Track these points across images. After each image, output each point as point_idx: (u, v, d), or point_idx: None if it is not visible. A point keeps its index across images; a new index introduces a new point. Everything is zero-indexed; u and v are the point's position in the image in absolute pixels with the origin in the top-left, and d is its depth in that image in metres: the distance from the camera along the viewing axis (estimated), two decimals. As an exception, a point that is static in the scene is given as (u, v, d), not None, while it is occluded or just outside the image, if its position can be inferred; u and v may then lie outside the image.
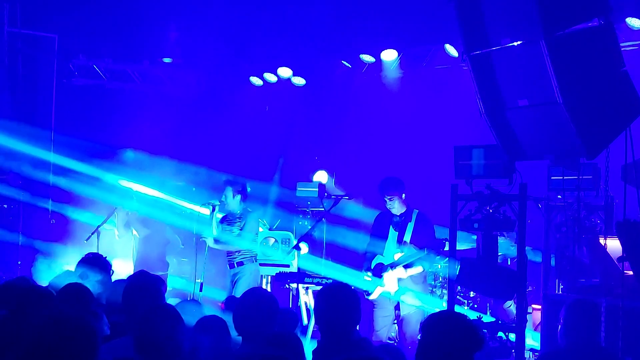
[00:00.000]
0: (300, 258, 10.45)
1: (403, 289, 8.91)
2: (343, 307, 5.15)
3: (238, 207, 9.96)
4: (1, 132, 12.07)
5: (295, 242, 10.17)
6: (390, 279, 8.88)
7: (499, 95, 6.95)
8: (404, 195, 9.06)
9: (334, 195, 10.02)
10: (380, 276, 8.93)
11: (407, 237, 8.94)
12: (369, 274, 9.01)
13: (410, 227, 8.96)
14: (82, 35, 13.47)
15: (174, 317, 4.68)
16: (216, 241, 9.83)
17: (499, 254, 9.81)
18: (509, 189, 7.47)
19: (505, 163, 7.40)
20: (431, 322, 4.33)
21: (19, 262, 12.33)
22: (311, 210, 12.61)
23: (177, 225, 11.42)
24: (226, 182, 10.03)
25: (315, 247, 11.46)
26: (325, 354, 5.06)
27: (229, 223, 9.99)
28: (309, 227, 10.56)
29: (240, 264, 9.81)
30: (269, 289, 11.11)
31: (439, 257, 9.33)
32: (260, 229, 10.76)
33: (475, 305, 10.52)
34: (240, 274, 9.77)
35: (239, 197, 9.94)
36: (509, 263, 10.18)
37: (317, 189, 12.23)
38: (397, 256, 8.93)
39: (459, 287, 9.43)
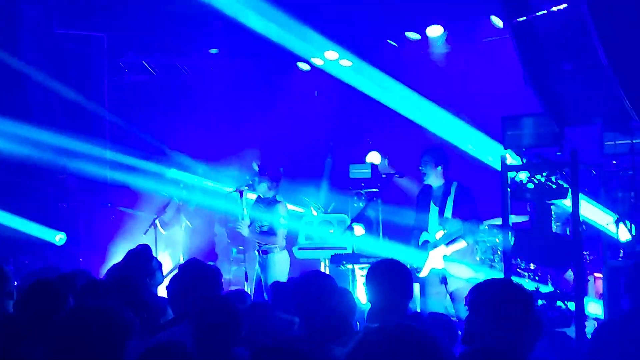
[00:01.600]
0: (356, 239, 10.43)
1: (450, 263, 8.81)
2: (394, 282, 5.13)
3: (267, 194, 10.02)
4: (57, 132, 12.29)
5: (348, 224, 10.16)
6: (436, 256, 8.81)
7: (543, 61, 6.88)
8: (440, 168, 8.93)
9: (384, 174, 9.98)
10: (427, 253, 8.86)
11: (448, 213, 8.80)
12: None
13: (450, 201, 8.80)
14: (130, 32, 13.62)
15: (232, 307, 4.66)
16: (250, 231, 9.92)
17: (558, 223, 9.75)
18: (560, 157, 7.37)
19: (554, 130, 7.30)
20: (476, 290, 4.28)
21: (81, 259, 12.59)
22: (365, 192, 12.58)
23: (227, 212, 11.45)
24: (260, 167, 10.07)
25: (372, 228, 11.45)
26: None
27: (257, 212, 10.04)
28: (362, 208, 10.53)
29: (265, 252, 9.88)
30: (327, 272, 11.15)
31: (480, 227, 9.21)
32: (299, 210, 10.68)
33: (537, 277, 10.38)
34: (270, 263, 9.84)
35: (267, 183, 9.97)
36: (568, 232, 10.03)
37: (370, 170, 12.20)
38: (438, 235, 8.84)
39: (518, 260, 9.30)
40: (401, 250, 9.68)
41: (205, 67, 14.53)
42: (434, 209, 8.93)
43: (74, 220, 12.94)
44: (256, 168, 10.09)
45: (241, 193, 9.93)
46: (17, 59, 12.61)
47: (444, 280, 8.86)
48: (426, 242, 8.90)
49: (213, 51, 14.06)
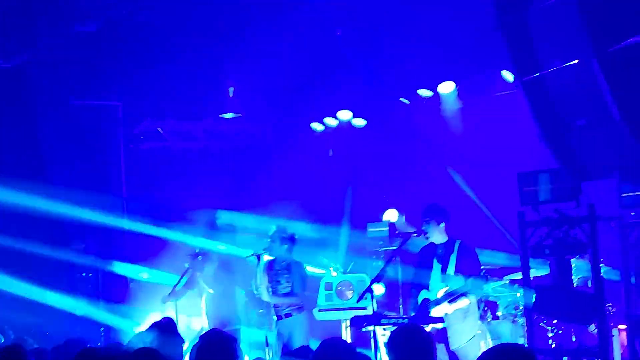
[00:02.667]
0: (376, 299, 10.36)
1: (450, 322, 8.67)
2: (415, 349, 5.06)
3: (285, 255, 10.02)
4: (74, 203, 12.37)
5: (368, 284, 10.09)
6: (437, 313, 8.69)
7: (556, 117, 6.90)
8: (443, 224, 8.87)
9: (402, 234, 9.95)
10: (428, 312, 8.75)
11: (451, 270, 8.68)
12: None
13: (453, 258, 8.68)
14: (145, 100, 13.79)
15: None
16: (270, 295, 9.90)
17: (579, 276, 9.67)
18: (578, 212, 7.35)
19: (571, 185, 7.29)
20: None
21: (102, 329, 12.58)
22: (384, 251, 12.54)
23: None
24: (276, 230, 10.08)
25: (392, 287, 11.38)
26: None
27: (275, 274, 10.04)
28: (382, 267, 10.48)
29: (289, 315, 9.87)
30: (347, 333, 11.07)
31: (484, 284, 9.09)
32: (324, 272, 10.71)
33: (560, 332, 10.27)
34: (291, 327, 9.84)
35: (286, 246, 10.00)
36: (590, 285, 9.93)
37: (387, 228, 12.17)
38: (440, 292, 8.74)
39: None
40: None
41: (219, 132, 14.64)
42: (436, 267, 8.81)
43: (94, 290, 12.97)
44: (272, 232, 10.08)
45: (259, 257, 9.93)
46: (35, 131, 12.78)
47: (444, 339, 8.69)
48: (426, 300, 8.80)
49: (228, 115, 14.18)
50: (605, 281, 7.91)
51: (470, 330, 8.71)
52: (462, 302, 8.65)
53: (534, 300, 7.58)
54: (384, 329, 9.67)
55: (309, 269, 10.63)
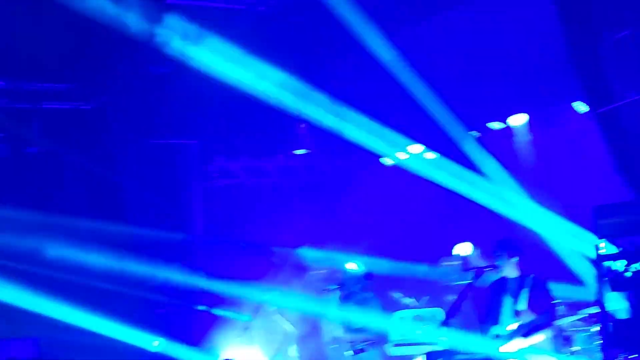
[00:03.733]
0: (450, 334, 10.30)
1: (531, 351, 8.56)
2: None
3: (360, 292, 10.02)
4: (154, 242, 12.63)
5: (443, 319, 10.04)
6: (510, 350, 8.58)
7: (631, 149, 6.84)
8: (515, 259, 8.77)
9: (476, 268, 9.86)
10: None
11: (522, 305, 8.56)
12: None
13: (524, 293, 8.57)
14: (218, 138, 14.04)
15: None
16: (345, 330, 9.90)
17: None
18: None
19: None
20: None
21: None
22: (457, 285, 12.47)
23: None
24: (353, 268, 10.10)
25: (466, 322, 11.29)
26: None
27: (350, 309, 10.00)
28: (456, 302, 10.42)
29: (361, 350, 9.84)
30: (423, 369, 11.03)
31: (557, 321, 8.97)
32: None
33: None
34: None
35: (361, 282, 10.01)
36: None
37: (461, 262, 12.11)
38: (512, 327, 8.65)
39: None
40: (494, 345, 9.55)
41: (291, 168, 14.81)
42: (507, 301, 8.74)
43: (170, 326, 13.15)
44: (347, 268, 10.12)
45: (332, 292, 9.97)
46: (113, 171, 13.10)
47: None
48: (497, 335, 8.72)
49: (299, 152, 14.34)
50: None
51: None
52: (537, 337, 8.55)
53: (612, 334, 7.46)
54: (459, 365, 9.64)
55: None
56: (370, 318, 9.90)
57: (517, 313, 8.61)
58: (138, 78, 12.97)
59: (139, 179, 13.28)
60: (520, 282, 8.71)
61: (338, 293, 10.01)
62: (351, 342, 9.94)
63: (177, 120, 13.67)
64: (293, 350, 11.78)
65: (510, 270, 8.78)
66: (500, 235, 10.82)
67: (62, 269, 12.33)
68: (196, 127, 13.76)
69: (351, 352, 9.94)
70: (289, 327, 11.41)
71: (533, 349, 8.53)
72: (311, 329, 11.28)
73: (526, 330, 8.48)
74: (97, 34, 11.15)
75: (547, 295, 8.65)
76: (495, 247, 8.89)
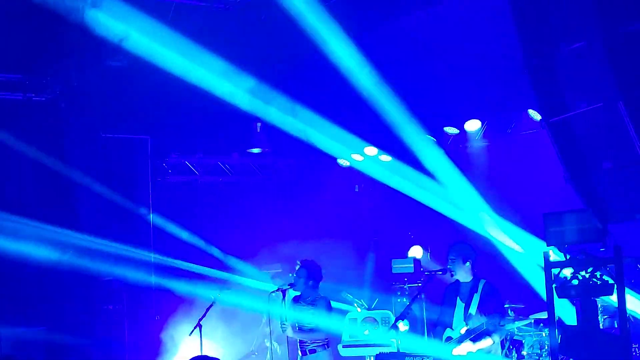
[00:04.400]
0: (400, 337, 10.36)
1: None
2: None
3: (309, 293, 9.92)
4: (104, 236, 12.51)
5: (393, 321, 10.09)
6: (460, 352, 8.70)
7: (582, 159, 6.92)
8: (468, 263, 8.89)
9: (429, 271, 9.94)
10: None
11: (473, 309, 8.73)
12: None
13: (476, 298, 8.75)
14: (173, 134, 13.94)
15: None
16: (295, 331, 9.85)
17: (605, 317, 9.66)
18: (604, 253, 7.34)
19: (597, 227, 7.29)
20: None
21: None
22: (408, 287, 12.54)
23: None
24: (302, 266, 10.03)
25: (416, 324, 11.38)
26: None
27: (300, 310, 9.88)
28: (407, 305, 10.50)
29: (313, 351, 9.77)
30: (372, 370, 11.07)
31: (508, 324, 9.10)
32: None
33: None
34: None
35: (311, 282, 9.88)
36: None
37: (412, 265, 12.18)
38: (462, 330, 8.74)
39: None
40: (445, 349, 9.63)
41: (246, 166, 14.77)
42: (459, 305, 8.87)
43: (119, 323, 13.04)
44: (298, 267, 10.06)
45: (284, 293, 9.90)
46: (64, 164, 12.94)
47: None
48: (449, 338, 8.82)
49: (254, 150, 14.31)
50: (632, 322, 7.90)
51: None
52: (486, 342, 8.67)
53: (559, 340, 7.55)
54: (408, 367, 9.71)
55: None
56: (320, 319, 9.86)
57: (468, 316, 8.71)
58: (93, 71, 12.83)
59: (92, 173, 13.12)
60: (472, 287, 8.82)
61: (289, 292, 9.94)
62: (302, 342, 9.91)
63: (132, 115, 13.54)
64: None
65: (463, 274, 8.88)
66: (452, 240, 10.96)
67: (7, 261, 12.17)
68: (152, 122, 13.64)
69: (301, 354, 9.91)
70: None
71: (482, 353, 8.63)
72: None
73: (476, 334, 8.58)
74: (53, 24, 11.00)
75: (499, 300, 8.77)
76: (449, 251, 8.97)
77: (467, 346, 8.67)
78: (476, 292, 8.80)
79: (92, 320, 12.65)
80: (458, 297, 8.93)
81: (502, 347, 9.18)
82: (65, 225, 12.39)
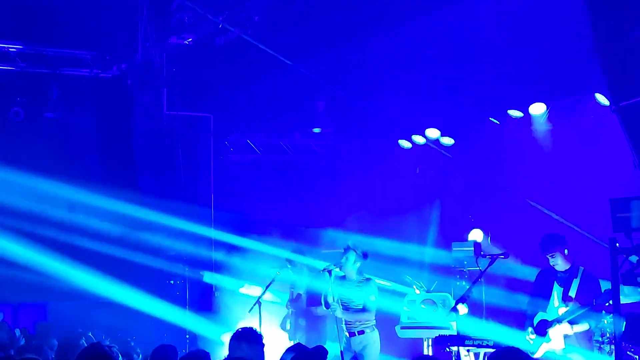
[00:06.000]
0: (459, 320, 10.31)
1: (570, 347, 8.64)
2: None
3: (356, 274, 9.91)
4: (166, 212, 12.68)
5: (453, 304, 10.05)
6: (556, 335, 8.66)
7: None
8: (566, 251, 8.86)
9: (489, 255, 9.85)
10: (545, 333, 8.72)
11: (573, 293, 8.72)
12: (531, 332, 8.82)
13: (575, 283, 8.75)
14: (236, 113, 14.03)
15: None
16: (343, 311, 9.87)
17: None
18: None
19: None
20: None
21: (187, 336, 12.83)
22: (468, 270, 12.46)
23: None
24: (348, 246, 10.02)
25: (475, 308, 11.30)
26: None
27: (347, 292, 9.89)
28: (467, 288, 10.44)
29: (362, 332, 9.77)
30: (430, 352, 11.04)
31: (605, 314, 9.03)
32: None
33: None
34: (364, 343, 9.75)
35: (358, 263, 9.90)
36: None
37: (472, 248, 12.08)
38: (561, 311, 8.71)
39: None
40: (505, 333, 9.56)
41: (308, 146, 14.81)
42: (557, 289, 8.85)
43: (181, 297, 13.24)
44: (345, 247, 10.02)
45: (330, 272, 9.88)
46: (130, 139, 13.14)
47: None
48: (543, 322, 8.76)
49: (316, 130, 14.32)
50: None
51: (588, 356, 8.69)
52: (583, 326, 8.65)
53: (623, 328, 7.45)
54: (468, 350, 9.67)
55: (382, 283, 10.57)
56: (367, 299, 9.82)
57: (567, 299, 8.70)
58: (159, 49, 12.98)
59: (155, 150, 13.31)
60: (571, 273, 8.82)
61: (338, 272, 9.93)
62: (348, 323, 9.89)
63: (195, 93, 13.67)
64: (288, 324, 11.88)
65: (563, 263, 8.83)
66: (513, 223, 10.86)
67: (74, 234, 12.41)
68: (215, 101, 13.75)
69: (348, 334, 9.90)
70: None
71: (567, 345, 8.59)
72: (307, 307, 11.32)
73: (576, 316, 8.58)
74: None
75: (598, 287, 8.76)
76: (544, 246, 8.92)
77: (565, 328, 8.65)
78: (575, 277, 8.81)
79: (154, 293, 12.85)
80: (555, 282, 8.92)
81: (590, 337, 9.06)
82: (129, 201, 12.59)
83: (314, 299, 11.18)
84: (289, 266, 11.67)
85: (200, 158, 13.97)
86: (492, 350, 8.79)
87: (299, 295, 11.81)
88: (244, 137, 14.54)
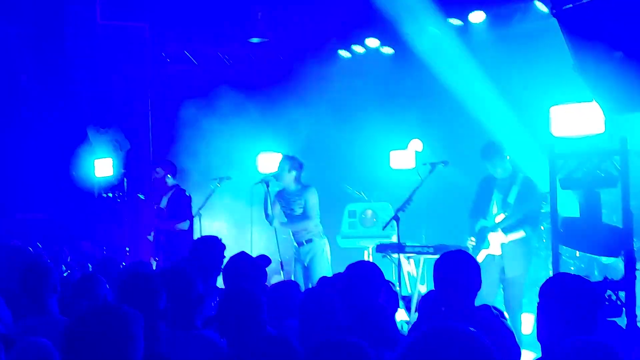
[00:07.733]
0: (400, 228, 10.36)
1: (507, 253, 8.79)
2: (465, 273, 5.02)
3: (293, 184, 9.84)
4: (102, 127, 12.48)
5: (393, 213, 10.08)
6: (495, 240, 8.80)
7: (593, 48, 6.78)
8: (508, 157, 8.93)
9: (428, 163, 9.84)
10: (484, 239, 8.85)
11: (511, 199, 8.82)
12: (472, 238, 8.94)
13: (514, 189, 8.83)
14: (171, 22, 13.68)
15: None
16: (283, 223, 9.86)
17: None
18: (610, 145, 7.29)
19: (603, 118, 7.23)
20: (549, 287, 4.23)
21: (127, 248, 12.77)
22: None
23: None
24: (284, 157, 9.95)
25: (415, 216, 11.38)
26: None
27: (287, 202, 9.89)
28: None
29: (310, 241, 9.78)
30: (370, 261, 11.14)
31: (542, 219, 9.17)
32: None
33: (583, 265, 10.30)
34: (312, 252, 9.76)
35: (294, 172, 9.80)
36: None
37: (413, 158, 12.12)
38: (499, 218, 8.83)
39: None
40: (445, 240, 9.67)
41: (246, 56, 14.56)
42: (497, 196, 8.95)
43: (119, 212, 13.12)
44: (281, 159, 9.93)
45: (267, 183, 9.84)
46: (63, 50, 12.78)
47: (499, 268, 8.81)
48: (483, 228, 8.88)
49: (255, 40, 14.06)
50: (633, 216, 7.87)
51: (525, 261, 8.84)
52: (518, 234, 8.76)
53: (561, 231, 7.56)
54: (408, 258, 9.77)
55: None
56: (308, 207, 9.79)
57: (506, 205, 8.79)
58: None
59: (89, 61, 12.98)
60: (511, 180, 8.88)
61: (272, 184, 9.87)
62: (295, 233, 9.89)
63: (128, 3, 13.28)
64: None
65: (502, 170, 8.87)
66: (453, 131, 10.87)
67: None
68: (148, 9, 13.38)
69: (297, 244, 9.92)
70: None
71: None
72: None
73: (509, 224, 8.68)
74: None
75: (537, 193, 8.91)
76: (485, 148, 8.96)
77: (500, 235, 8.76)
78: (515, 184, 8.86)
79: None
80: (495, 189, 8.98)
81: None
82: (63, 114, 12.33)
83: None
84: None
85: (136, 69, 13.65)
86: (433, 256, 8.86)
87: None
88: (181, 46, 14.20)
